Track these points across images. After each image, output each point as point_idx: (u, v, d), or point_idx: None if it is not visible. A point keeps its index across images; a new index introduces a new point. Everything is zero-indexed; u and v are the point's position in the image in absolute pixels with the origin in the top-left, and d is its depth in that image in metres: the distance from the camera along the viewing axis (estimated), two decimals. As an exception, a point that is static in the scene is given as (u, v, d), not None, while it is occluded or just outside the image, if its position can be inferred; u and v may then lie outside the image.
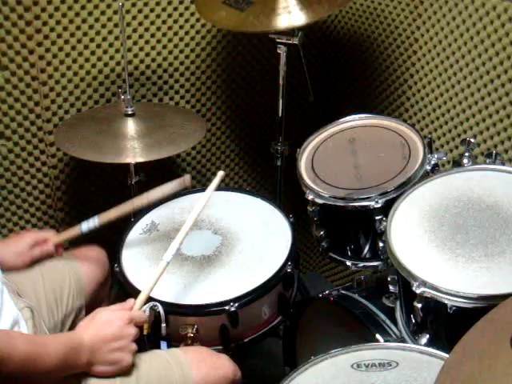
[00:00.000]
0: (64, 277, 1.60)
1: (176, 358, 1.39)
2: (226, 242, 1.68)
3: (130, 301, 1.39)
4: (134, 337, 1.32)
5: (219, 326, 1.52)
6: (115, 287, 1.82)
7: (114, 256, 1.67)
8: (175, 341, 1.51)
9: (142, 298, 1.41)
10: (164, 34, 2.08)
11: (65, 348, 1.21)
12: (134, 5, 1.99)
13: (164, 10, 2.04)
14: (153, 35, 2.06)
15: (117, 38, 1.99)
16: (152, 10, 2.03)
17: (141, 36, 2.05)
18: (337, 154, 1.81)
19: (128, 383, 1.31)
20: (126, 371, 1.30)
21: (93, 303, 1.66)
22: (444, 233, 1.43)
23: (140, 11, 2.01)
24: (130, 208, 1.64)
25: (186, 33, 2.11)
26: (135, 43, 2.05)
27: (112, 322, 1.30)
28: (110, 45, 2.00)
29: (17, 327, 1.32)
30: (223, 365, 1.42)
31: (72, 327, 1.56)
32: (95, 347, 1.25)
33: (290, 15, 1.72)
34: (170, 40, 2.10)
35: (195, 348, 1.47)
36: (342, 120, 1.89)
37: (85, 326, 1.29)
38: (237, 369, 1.44)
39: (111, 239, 1.70)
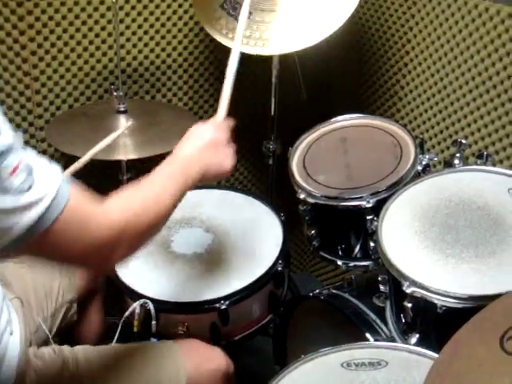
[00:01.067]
0: (53, 271, 1.58)
1: (169, 349, 1.39)
2: (217, 240, 1.68)
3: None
4: (228, 140, 1.35)
5: (210, 323, 1.53)
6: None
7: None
8: (165, 338, 1.50)
9: (223, 105, 1.46)
10: (157, 31, 2.08)
11: (178, 173, 1.23)
12: (127, 1, 1.99)
13: (157, 7, 2.04)
14: (146, 32, 2.06)
15: (110, 35, 1.99)
16: (145, 7, 2.03)
17: (134, 33, 2.04)
18: (328, 154, 1.81)
19: (121, 375, 1.31)
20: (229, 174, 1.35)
21: (86, 295, 1.65)
22: (435, 233, 1.43)
23: (133, 8, 2.01)
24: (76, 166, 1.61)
25: (179, 30, 2.11)
26: (128, 40, 2.04)
27: (204, 131, 1.34)
28: (103, 41, 2.00)
29: (5, 319, 1.30)
30: (216, 357, 1.43)
31: (64, 319, 1.56)
32: (201, 157, 1.29)
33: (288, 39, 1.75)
34: (163, 37, 2.09)
35: (188, 340, 1.47)
36: (333, 120, 1.89)
37: (180, 145, 1.32)
38: (230, 362, 1.45)
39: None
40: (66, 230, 0.96)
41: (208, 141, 1.32)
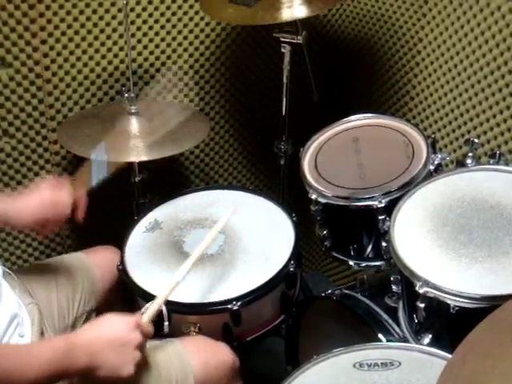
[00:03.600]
0: (77, 281, 1.60)
1: (174, 347, 1.40)
2: (229, 241, 1.68)
3: (139, 314, 1.33)
4: (140, 344, 1.24)
5: (222, 324, 1.53)
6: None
7: (117, 254, 1.67)
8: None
9: (151, 311, 1.35)
10: (168, 33, 2.08)
11: (53, 354, 1.14)
12: (138, 3, 1.99)
13: (168, 8, 2.04)
14: (157, 33, 2.06)
15: (121, 36, 1.99)
16: (156, 8, 2.03)
17: (145, 34, 2.05)
18: (340, 154, 1.81)
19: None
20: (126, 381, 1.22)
21: (104, 304, 1.66)
22: (447, 233, 1.43)
23: (144, 9, 2.01)
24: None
25: (190, 31, 2.11)
26: (139, 41, 2.05)
27: (116, 325, 1.24)
28: (114, 43, 2.00)
29: (16, 322, 1.33)
30: (222, 352, 1.44)
31: None
32: (95, 348, 1.19)
33: (293, 9, 1.73)
34: (174, 38, 2.10)
35: (194, 337, 1.48)
36: (345, 119, 1.89)
37: (88, 328, 1.24)
38: (235, 357, 1.45)
39: (114, 237, 1.71)
40: None
41: (115, 338, 1.21)
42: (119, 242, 1.70)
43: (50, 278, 1.57)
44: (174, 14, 2.06)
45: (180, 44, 2.11)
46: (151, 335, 1.30)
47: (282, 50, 1.88)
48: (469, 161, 1.61)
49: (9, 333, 1.29)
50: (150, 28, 2.05)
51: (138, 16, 2.01)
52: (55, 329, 1.49)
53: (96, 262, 1.66)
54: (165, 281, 1.57)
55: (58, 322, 1.52)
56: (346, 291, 1.74)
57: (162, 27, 2.06)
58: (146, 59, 2.09)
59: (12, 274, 1.49)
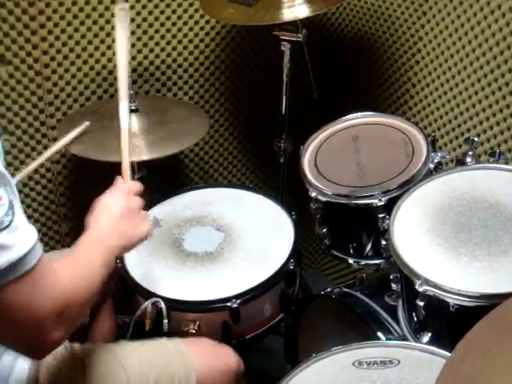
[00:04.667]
0: None
1: (178, 348, 1.39)
2: (228, 239, 1.68)
3: (118, 178, 1.35)
4: (141, 205, 1.30)
5: (221, 322, 1.53)
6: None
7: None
8: (177, 337, 1.50)
9: (125, 168, 1.39)
10: (168, 30, 2.08)
11: (96, 245, 1.19)
12: (138, 0, 1.99)
13: (168, 6, 2.04)
14: (157, 31, 2.06)
15: (121, 34, 1.99)
16: (156, 6, 2.02)
17: (145, 32, 2.04)
18: (340, 152, 1.81)
19: (132, 365, 1.31)
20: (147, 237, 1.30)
21: (98, 298, 1.65)
22: (447, 231, 1.43)
23: (144, 7, 2.01)
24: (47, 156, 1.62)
25: (190, 29, 2.11)
26: (139, 39, 2.04)
27: (115, 202, 1.28)
28: (114, 40, 2.00)
29: None
30: (226, 355, 1.43)
31: None
32: (118, 229, 1.23)
33: (294, 8, 1.73)
34: (173, 36, 2.09)
35: (198, 339, 1.47)
36: (345, 118, 1.89)
37: (94, 221, 1.25)
38: (240, 360, 1.44)
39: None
40: (29, 289, 0.96)
41: (120, 212, 1.26)
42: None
43: None
44: (173, 11, 2.06)
45: (180, 42, 2.11)
46: (141, 188, 1.35)
47: (282, 48, 1.88)
48: (469, 159, 1.61)
49: None
50: (150, 26, 2.04)
51: (138, 13, 2.01)
52: None
53: None
54: (162, 276, 1.58)
55: None
56: (346, 290, 1.74)
57: (162, 25, 2.06)
58: (145, 57, 2.08)
59: None
